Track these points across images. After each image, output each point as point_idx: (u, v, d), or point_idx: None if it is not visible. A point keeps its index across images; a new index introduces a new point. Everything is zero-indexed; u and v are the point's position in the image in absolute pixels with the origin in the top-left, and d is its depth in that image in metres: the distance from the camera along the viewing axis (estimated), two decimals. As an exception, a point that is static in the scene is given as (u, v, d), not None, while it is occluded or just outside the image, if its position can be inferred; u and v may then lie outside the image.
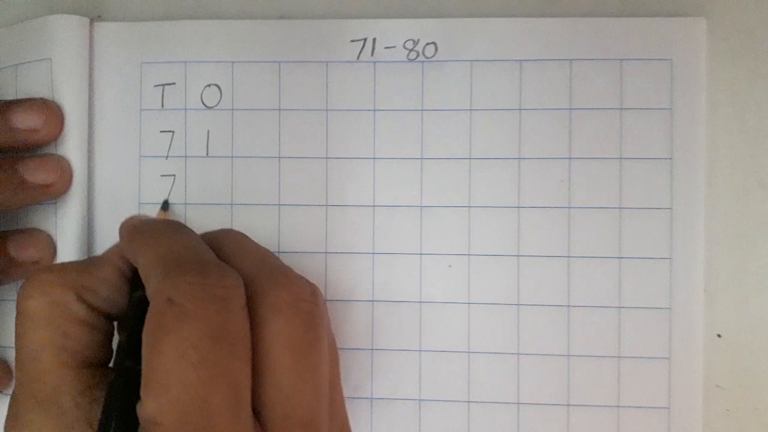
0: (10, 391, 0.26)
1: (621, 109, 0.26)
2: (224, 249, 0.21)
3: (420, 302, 0.27)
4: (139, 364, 0.17)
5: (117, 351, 0.20)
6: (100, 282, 0.21)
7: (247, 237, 0.23)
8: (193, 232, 0.22)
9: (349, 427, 0.21)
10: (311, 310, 0.19)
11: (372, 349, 0.27)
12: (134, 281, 0.21)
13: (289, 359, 0.18)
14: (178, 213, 0.27)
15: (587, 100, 0.26)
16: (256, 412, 0.18)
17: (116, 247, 0.22)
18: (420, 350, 0.27)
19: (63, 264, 0.22)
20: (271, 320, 0.19)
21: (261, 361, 0.18)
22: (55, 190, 0.26)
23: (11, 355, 0.27)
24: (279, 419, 0.18)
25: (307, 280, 0.20)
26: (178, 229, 0.21)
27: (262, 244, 0.24)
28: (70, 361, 0.20)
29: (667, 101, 0.26)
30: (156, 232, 0.21)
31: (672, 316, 0.26)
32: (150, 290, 0.19)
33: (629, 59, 0.26)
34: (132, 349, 0.19)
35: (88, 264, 0.22)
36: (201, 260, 0.19)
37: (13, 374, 0.27)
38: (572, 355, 0.26)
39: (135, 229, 0.22)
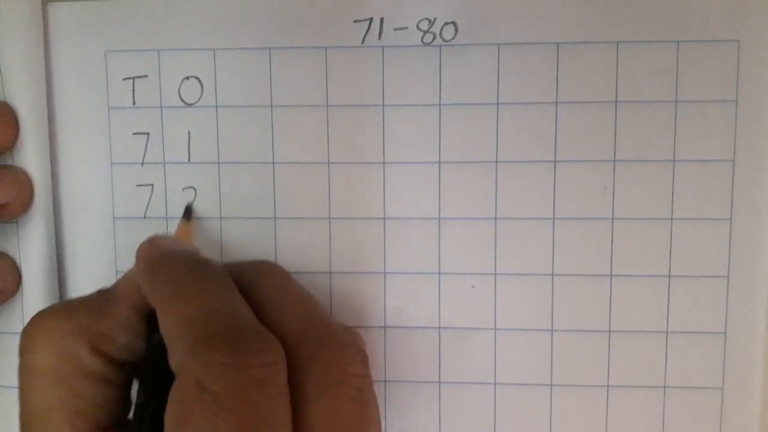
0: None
1: (676, 101, 0.22)
2: (261, 293, 0.19)
3: (439, 328, 0.24)
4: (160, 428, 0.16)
5: (136, 410, 0.18)
6: (116, 327, 0.19)
7: (288, 277, 0.20)
8: (225, 277, 0.18)
9: None
10: (361, 386, 0.17)
11: (385, 381, 0.24)
12: (151, 318, 0.19)
13: None
14: (158, 229, 0.24)
15: (635, 90, 0.23)
16: None
17: (130, 277, 0.20)
18: (439, 382, 0.24)
19: (73, 304, 0.19)
20: (316, 400, 0.17)
21: None
22: (14, 209, 0.23)
23: None
24: None
25: (357, 342, 0.18)
26: (208, 278, 0.18)
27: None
28: (85, 424, 0.18)
29: (731, 92, 0.22)
30: (182, 281, 0.18)
31: (727, 340, 0.23)
32: (175, 363, 0.16)
33: (687, 41, 0.22)
34: (153, 410, 0.17)
35: (100, 303, 0.19)
36: (237, 328, 0.16)
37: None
38: (612, 386, 0.23)
39: (156, 268, 0.19)
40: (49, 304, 0.23)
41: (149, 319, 0.19)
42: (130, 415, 0.19)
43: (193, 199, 0.24)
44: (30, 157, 0.23)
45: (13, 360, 0.23)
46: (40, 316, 0.19)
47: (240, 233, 0.24)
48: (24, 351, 0.18)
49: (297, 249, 0.24)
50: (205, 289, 0.18)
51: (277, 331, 0.17)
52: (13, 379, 0.23)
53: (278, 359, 0.16)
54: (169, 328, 0.17)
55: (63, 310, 0.19)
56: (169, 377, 0.16)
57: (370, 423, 0.17)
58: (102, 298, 0.19)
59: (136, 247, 0.23)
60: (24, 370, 0.18)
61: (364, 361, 0.18)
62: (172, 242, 0.21)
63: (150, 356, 0.19)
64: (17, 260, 0.23)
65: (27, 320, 0.23)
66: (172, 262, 0.19)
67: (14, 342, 0.23)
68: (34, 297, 0.23)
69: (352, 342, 0.18)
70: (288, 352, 0.17)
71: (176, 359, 0.16)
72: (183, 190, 0.24)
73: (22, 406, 0.18)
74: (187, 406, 0.15)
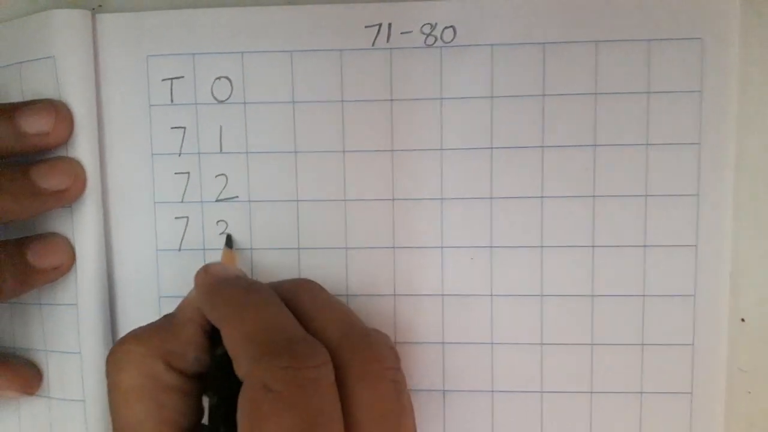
0: (39, 393, 0.26)
1: (648, 92, 0.25)
2: (302, 307, 0.22)
3: (442, 295, 0.27)
4: (233, 428, 0.18)
5: (210, 414, 0.21)
6: (186, 345, 0.22)
7: (323, 290, 0.23)
8: (273, 296, 0.22)
9: None
10: (396, 377, 0.20)
11: (395, 342, 0.27)
12: (214, 335, 0.22)
13: (380, 430, 0.19)
14: (193, 212, 0.27)
15: (613, 83, 0.25)
16: None
17: (191, 301, 0.23)
18: (443, 343, 0.27)
19: (147, 330, 0.22)
20: (359, 392, 0.19)
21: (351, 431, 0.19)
22: (70, 195, 0.25)
23: (35, 357, 0.27)
24: None
25: (388, 343, 0.21)
26: (260, 299, 0.21)
27: (283, 240, 0.26)
28: (169, 430, 0.20)
29: (696, 83, 0.25)
30: (238, 302, 0.21)
31: (696, 302, 0.26)
32: (242, 372, 0.19)
33: (657, 39, 0.25)
34: (224, 411, 0.19)
35: (171, 326, 0.22)
36: (290, 339, 0.19)
37: (43, 376, 0.27)
38: (596, 344, 0.26)
39: (215, 292, 0.22)
40: (99, 279, 0.26)
41: (211, 336, 0.22)
42: (204, 419, 0.22)
43: (226, 229, 0.27)
44: (82, 149, 0.26)
45: (70, 328, 0.27)
46: (120, 343, 0.21)
47: (266, 215, 0.27)
48: (110, 373, 0.21)
49: (317, 228, 0.27)
50: (260, 308, 0.21)
51: (319, 337, 0.20)
52: (68, 344, 0.27)
53: (326, 361, 0.19)
54: (233, 342, 0.20)
55: (138, 336, 0.21)
56: (234, 382, 0.19)
57: (406, 408, 0.20)
58: (169, 322, 0.22)
59: (175, 227, 0.27)
60: (112, 390, 0.21)
61: (396, 357, 0.21)
62: (222, 269, 0.24)
63: (216, 366, 0.21)
64: (72, 240, 0.26)
65: (80, 294, 0.26)
66: (227, 286, 0.22)
67: (70, 312, 0.27)
68: (86, 273, 0.26)
69: (384, 342, 0.21)
70: (332, 352, 0.19)
71: (243, 368, 0.19)
72: (215, 177, 0.27)
73: (114, 421, 0.21)
74: (257, 405, 0.18)
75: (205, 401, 0.22)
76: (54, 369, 0.27)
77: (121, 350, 0.21)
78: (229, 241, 0.26)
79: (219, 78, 0.26)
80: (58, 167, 0.25)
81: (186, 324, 0.22)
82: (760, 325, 0.26)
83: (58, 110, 0.25)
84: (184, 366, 0.21)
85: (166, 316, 0.23)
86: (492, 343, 0.27)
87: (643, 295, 0.26)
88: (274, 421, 0.17)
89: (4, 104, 0.25)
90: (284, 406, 0.18)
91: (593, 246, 0.26)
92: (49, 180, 0.25)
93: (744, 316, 0.26)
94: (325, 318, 0.21)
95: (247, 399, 0.18)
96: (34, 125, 0.24)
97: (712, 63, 0.25)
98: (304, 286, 0.23)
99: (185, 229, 0.27)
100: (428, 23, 0.26)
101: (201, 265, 0.26)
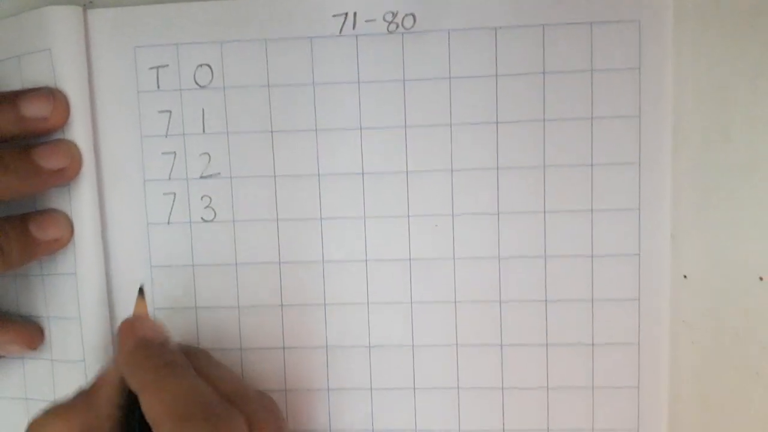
0: (41, 349, 0.29)
1: (592, 70, 0.28)
2: (203, 370, 0.24)
3: (409, 260, 0.29)
4: None
5: None
6: (101, 418, 0.23)
7: (211, 357, 0.26)
8: (187, 365, 0.24)
9: None
10: (284, 426, 0.24)
11: (368, 303, 0.29)
12: (129, 404, 0.23)
13: None
14: (180, 188, 0.29)
15: (559, 63, 0.28)
16: None
17: (113, 371, 0.24)
18: (411, 302, 0.29)
19: (66, 407, 0.23)
20: None
21: None
22: (68, 174, 0.28)
23: (38, 323, 0.30)
24: None
25: (266, 402, 0.24)
26: (177, 368, 0.23)
27: (263, 212, 0.29)
28: None
29: (635, 61, 0.28)
30: (157, 372, 0.23)
31: (641, 261, 0.28)
32: None
33: (598, 22, 0.28)
34: None
35: (88, 403, 0.23)
36: (207, 408, 0.21)
37: (44, 333, 0.30)
38: (549, 301, 0.29)
39: (135, 360, 0.23)
40: (96, 250, 0.29)
41: (127, 400, 0.23)
42: None
43: (210, 203, 0.29)
44: (78, 132, 0.28)
45: (70, 295, 0.29)
46: (42, 418, 0.23)
47: (246, 189, 0.29)
48: None
49: (293, 201, 0.29)
50: (177, 377, 0.23)
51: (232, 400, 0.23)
52: (68, 310, 0.29)
53: (241, 424, 0.21)
54: (152, 409, 0.21)
55: (58, 413, 0.23)
56: None
57: None
58: (86, 399, 0.24)
59: (163, 203, 0.29)
60: None
61: (277, 416, 0.24)
62: (142, 328, 0.25)
63: (136, 427, 0.23)
64: (70, 215, 0.29)
65: (79, 264, 0.29)
66: (148, 355, 0.24)
67: (69, 281, 0.29)
68: (84, 244, 0.29)
69: (270, 398, 0.25)
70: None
71: None
72: (199, 155, 0.29)
73: None
74: None
75: None
76: (56, 333, 0.30)
77: (41, 428, 0.23)
78: (141, 292, 0.27)
79: (201, 65, 0.29)
80: (57, 148, 0.28)
81: (103, 401, 0.23)
82: (701, 281, 0.29)
83: (56, 97, 0.28)
84: None
85: (82, 393, 0.24)
86: (455, 301, 0.29)
87: (592, 255, 0.28)
88: None
89: (7, 92, 0.27)
90: None
91: (545, 211, 0.28)
92: (48, 160, 0.27)
93: (686, 273, 0.29)
94: (225, 382, 0.24)
95: None
96: (35, 110, 0.27)
97: (649, 43, 0.27)
98: (197, 353, 0.26)
99: (173, 204, 0.29)
100: (390, 11, 0.28)
101: (187, 236, 0.29)
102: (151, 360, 0.23)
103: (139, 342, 0.24)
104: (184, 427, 0.20)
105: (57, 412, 0.23)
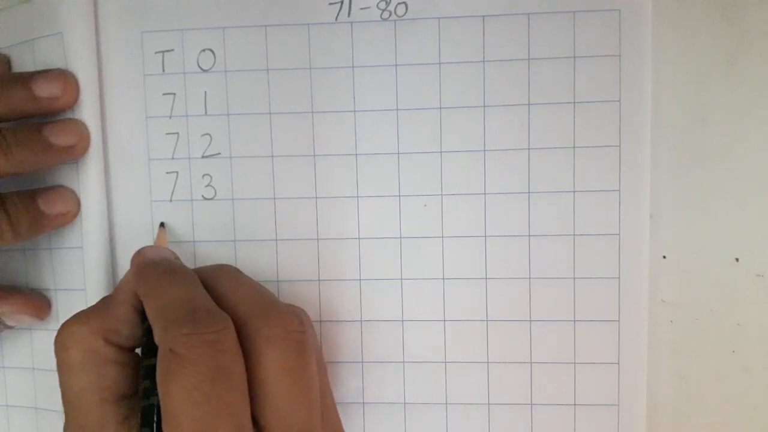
0: (48, 320, 0.30)
1: (574, 57, 0.29)
2: (221, 287, 0.25)
3: (400, 238, 0.30)
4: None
5: (144, 373, 0.23)
6: (121, 323, 0.25)
7: (240, 272, 0.27)
8: (191, 275, 0.25)
9: (338, 422, 0.25)
10: (300, 338, 0.23)
11: (360, 280, 0.31)
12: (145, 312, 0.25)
13: (284, 384, 0.22)
14: (182, 167, 0.31)
15: (544, 50, 0.29)
16: (260, 428, 0.22)
17: (127, 281, 0.26)
18: (401, 279, 0.30)
19: (87, 312, 0.25)
20: (266, 352, 0.22)
21: (260, 387, 0.22)
22: (77, 151, 0.29)
23: (46, 295, 0.32)
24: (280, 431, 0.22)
25: (296, 311, 0.24)
26: (175, 278, 0.25)
27: (260, 191, 0.30)
28: (109, 396, 0.23)
29: (615, 48, 0.29)
30: (157, 281, 0.25)
31: (621, 241, 0.30)
32: (156, 339, 0.22)
33: (581, 11, 0.29)
34: (154, 372, 0.22)
35: (107, 306, 0.25)
36: (193, 310, 0.22)
37: (51, 305, 0.31)
38: (533, 278, 0.30)
39: (142, 272, 0.25)
40: (102, 225, 0.30)
41: (144, 313, 0.25)
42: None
43: (210, 182, 0.31)
44: (87, 112, 0.30)
45: (76, 268, 0.31)
46: (65, 325, 0.24)
47: (245, 169, 0.31)
48: (57, 352, 0.24)
49: (289, 181, 0.31)
50: (174, 284, 0.24)
51: (232, 311, 0.23)
52: (74, 282, 0.31)
53: (226, 327, 0.22)
54: (150, 314, 0.23)
55: (80, 318, 0.24)
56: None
57: (309, 366, 0.23)
58: (106, 304, 0.25)
59: (166, 181, 0.31)
60: (59, 366, 0.24)
61: (302, 322, 0.23)
62: (154, 252, 0.27)
63: (148, 335, 0.24)
64: (77, 192, 0.30)
65: (85, 238, 0.30)
66: (153, 267, 0.26)
67: (76, 254, 0.30)
68: (90, 220, 0.30)
69: (291, 310, 0.24)
70: (243, 324, 0.23)
71: (157, 336, 0.22)
72: (201, 136, 0.31)
73: (62, 393, 0.24)
74: (166, 366, 0.21)
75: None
76: (63, 305, 0.31)
77: (65, 331, 0.24)
78: (162, 225, 0.30)
79: (204, 50, 0.30)
80: (67, 127, 0.29)
81: (120, 305, 0.25)
82: (680, 261, 0.30)
83: (67, 78, 0.29)
84: (120, 341, 0.24)
85: (103, 299, 0.26)
86: (443, 278, 0.30)
87: (573, 235, 0.30)
88: (179, 379, 0.20)
89: (21, 73, 0.29)
90: (187, 364, 0.20)
91: (529, 192, 0.30)
92: (59, 137, 0.29)
93: (665, 254, 0.30)
94: (238, 295, 0.24)
95: (159, 363, 0.21)
96: (47, 90, 0.28)
97: (629, 30, 0.29)
98: (224, 270, 0.27)
99: (175, 182, 0.31)
100: (383, 0, 0.30)
101: (188, 213, 0.30)
102: (155, 269, 0.25)
103: (151, 257, 0.27)
104: (168, 329, 0.21)
105: (80, 316, 0.25)
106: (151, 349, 0.24)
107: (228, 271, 0.27)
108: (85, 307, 0.30)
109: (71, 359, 0.23)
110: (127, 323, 0.25)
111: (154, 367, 0.22)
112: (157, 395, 0.22)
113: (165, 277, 0.25)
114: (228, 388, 0.21)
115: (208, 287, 0.25)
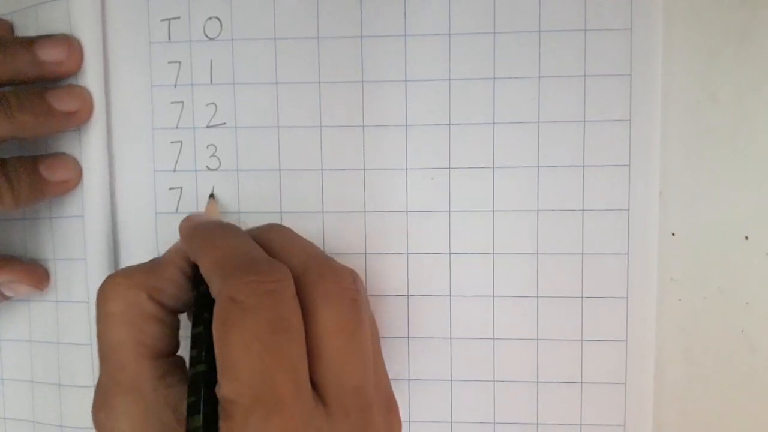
0: (46, 292, 0.30)
1: (585, 30, 0.29)
2: (273, 244, 0.25)
3: (407, 212, 0.30)
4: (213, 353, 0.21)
5: (194, 342, 0.23)
6: (166, 282, 0.24)
7: (291, 230, 0.27)
8: (243, 232, 0.25)
9: (388, 383, 0.25)
10: (354, 296, 0.23)
11: (365, 254, 0.30)
12: (196, 277, 0.24)
13: (339, 340, 0.22)
14: (186, 137, 0.30)
15: (554, 23, 0.29)
16: (314, 384, 0.21)
17: (177, 246, 0.26)
18: (407, 253, 0.30)
19: (133, 268, 0.25)
20: (321, 308, 0.22)
21: (315, 343, 0.22)
22: (79, 118, 0.29)
23: (45, 265, 0.31)
24: (334, 388, 0.21)
25: (349, 269, 0.24)
26: (230, 232, 0.25)
27: (265, 162, 0.29)
28: (147, 352, 0.23)
29: (627, 22, 0.29)
30: (212, 236, 0.25)
31: (630, 217, 0.29)
32: (214, 290, 0.22)
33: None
34: (205, 338, 0.22)
35: (154, 266, 0.25)
36: (253, 259, 0.22)
37: (50, 276, 0.31)
38: (541, 254, 0.30)
39: (193, 232, 0.25)
40: (103, 195, 0.30)
41: (194, 279, 0.25)
42: (180, 351, 0.25)
43: (215, 152, 0.30)
44: (90, 78, 0.29)
45: (77, 237, 0.30)
46: (110, 276, 0.24)
47: (250, 139, 0.30)
48: (98, 303, 0.24)
49: (296, 152, 0.30)
50: (228, 238, 0.24)
51: (286, 265, 0.22)
52: (74, 252, 0.30)
53: (287, 277, 0.22)
54: (207, 268, 0.23)
55: (125, 272, 0.24)
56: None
57: (363, 322, 0.23)
58: (156, 262, 0.25)
59: (171, 150, 0.30)
60: (99, 317, 0.24)
61: (356, 280, 0.23)
62: (202, 216, 0.28)
63: (199, 300, 0.24)
64: (79, 160, 0.30)
65: (86, 207, 0.30)
66: (205, 226, 0.26)
67: (77, 223, 0.30)
68: (92, 188, 0.30)
69: (346, 268, 0.24)
70: (297, 278, 0.22)
71: (215, 288, 0.22)
72: (206, 105, 0.30)
73: (99, 344, 0.23)
74: (225, 315, 0.20)
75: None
76: (61, 275, 0.30)
77: (109, 283, 0.24)
78: (212, 196, 0.30)
79: (210, 18, 0.30)
80: (70, 92, 0.29)
81: (168, 265, 0.25)
82: (689, 239, 0.30)
83: (71, 43, 0.29)
84: (164, 299, 0.24)
85: (152, 259, 0.26)
86: (450, 253, 0.30)
87: (582, 210, 0.29)
88: (240, 327, 0.20)
89: (25, 37, 0.28)
90: (247, 313, 0.20)
91: (538, 166, 0.29)
92: (62, 102, 0.28)
93: (674, 231, 0.30)
94: (292, 251, 0.24)
95: (218, 312, 0.21)
96: (51, 55, 0.28)
97: (640, 4, 0.28)
98: (275, 228, 0.27)
99: (179, 152, 0.30)
100: None
101: (192, 184, 0.30)
102: (207, 227, 0.26)
103: (200, 220, 0.27)
104: (228, 278, 0.21)
105: (125, 270, 0.25)
106: (198, 318, 0.23)
107: (279, 229, 0.27)
108: (86, 277, 0.30)
109: (112, 310, 0.23)
110: (172, 283, 0.25)
111: (200, 336, 0.22)
112: (204, 362, 0.21)
113: (220, 231, 0.25)
114: (288, 339, 0.21)
115: (260, 244, 0.24)
